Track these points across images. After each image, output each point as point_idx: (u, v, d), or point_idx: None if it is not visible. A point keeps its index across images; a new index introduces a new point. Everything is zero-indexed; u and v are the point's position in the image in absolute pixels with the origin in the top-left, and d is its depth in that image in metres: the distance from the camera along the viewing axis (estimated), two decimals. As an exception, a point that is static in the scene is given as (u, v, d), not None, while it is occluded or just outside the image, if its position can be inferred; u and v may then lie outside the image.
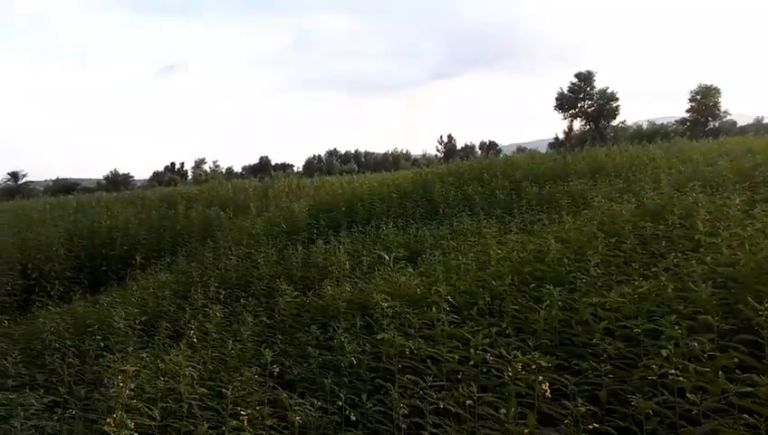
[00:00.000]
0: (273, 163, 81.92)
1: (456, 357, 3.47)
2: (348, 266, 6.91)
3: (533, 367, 2.81)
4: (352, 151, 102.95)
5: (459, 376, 3.42)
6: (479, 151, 78.82)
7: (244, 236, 10.33)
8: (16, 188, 67.22)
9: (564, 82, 57.27)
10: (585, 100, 53.98)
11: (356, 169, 54.91)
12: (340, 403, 3.04)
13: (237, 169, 79.89)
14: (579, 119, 54.89)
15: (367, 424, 3.21)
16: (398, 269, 6.43)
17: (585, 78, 53.74)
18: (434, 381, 3.15)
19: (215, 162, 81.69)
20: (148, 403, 3.21)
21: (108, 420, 2.47)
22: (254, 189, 18.86)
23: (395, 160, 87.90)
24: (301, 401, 3.06)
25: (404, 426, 2.85)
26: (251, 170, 69.62)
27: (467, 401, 2.90)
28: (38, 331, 6.36)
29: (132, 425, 2.56)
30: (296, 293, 6.00)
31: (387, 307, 4.48)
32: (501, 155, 19.55)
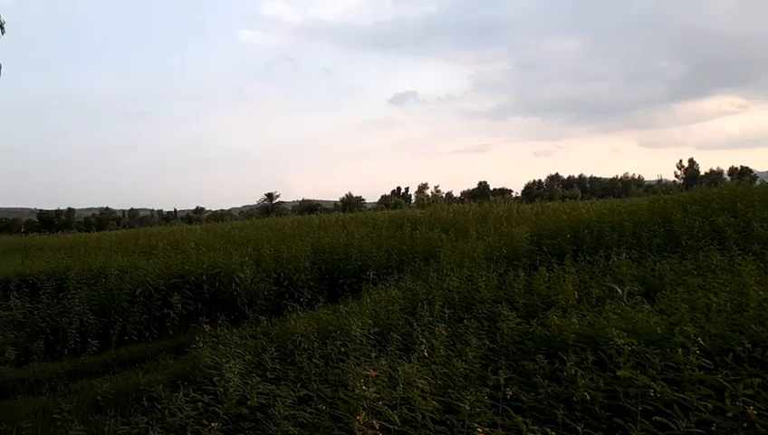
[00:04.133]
0: (491, 188, 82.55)
1: (710, 406, 3.09)
2: (577, 296, 6.61)
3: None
4: (576, 176, 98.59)
5: (713, 428, 3.04)
6: (728, 178, 69.44)
7: (466, 259, 10.52)
8: (271, 207, 78.57)
9: None
10: None
11: (580, 194, 52.31)
12: (577, 437, 2.93)
13: (456, 193, 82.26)
14: None
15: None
16: (632, 304, 5.97)
17: None
18: (686, 428, 2.85)
19: (436, 187, 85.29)
20: (384, 408, 3.46)
21: (358, 419, 2.71)
22: (474, 214, 19.19)
23: (624, 186, 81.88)
24: (534, 428, 3.02)
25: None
26: (470, 196, 70.97)
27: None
28: (289, 332, 7.23)
29: (377, 426, 2.77)
30: (518, 320, 5.93)
31: (623, 344, 4.17)
32: (757, 182, 16.88)
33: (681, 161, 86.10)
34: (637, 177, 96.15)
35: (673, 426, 2.85)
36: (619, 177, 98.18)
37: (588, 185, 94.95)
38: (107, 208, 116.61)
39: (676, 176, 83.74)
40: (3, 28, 6.48)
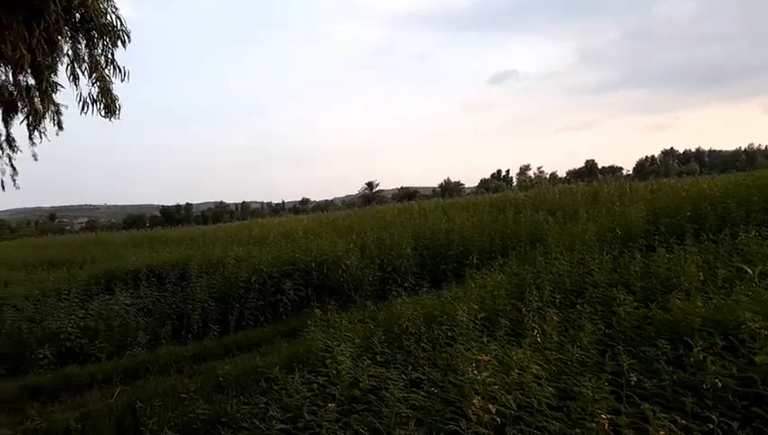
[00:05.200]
0: (599, 167, 78.81)
1: None
2: (701, 278, 6.14)
3: None
4: (693, 150, 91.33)
5: None
6: None
7: (576, 242, 10.09)
8: (371, 195, 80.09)
9: None
10: None
11: (698, 169, 48.38)
12: (712, 426, 2.72)
13: (561, 174, 79.22)
14: None
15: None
16: (765, 286, 5.46)
17: None
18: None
19: (539, 168, 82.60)
20: (499, 393, 3.41)
21: (473, 402, 2.69)
22: (582, 194, 18.33)
23: (749, 158, 74.79)
24: (662, 415, 2.84)
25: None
26: (576, 175, 68.03)
27: None
28: (395, 316, 7.32)
29: (494, 410, 2.74)
30: (636, 304, 5.61)
31: (758, 328, 3.82)
32: None
33: (818, 128, 77.02)
34: (763, 148, 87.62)
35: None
36: (743, 148, 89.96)
37: (706, 159, 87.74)
38: (221, 202, 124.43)
39: (813, 144, 75.08)
40: (129, 36, 7.03)
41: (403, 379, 4.24)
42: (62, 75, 7.47)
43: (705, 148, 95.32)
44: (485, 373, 3.28)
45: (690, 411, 3.05)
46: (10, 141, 10.22)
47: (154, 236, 24.37)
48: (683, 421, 2.82)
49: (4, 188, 10.09)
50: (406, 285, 9.66)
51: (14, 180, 10.31)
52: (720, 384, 3.35)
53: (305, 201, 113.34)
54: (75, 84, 7.18)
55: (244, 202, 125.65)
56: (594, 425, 2.71)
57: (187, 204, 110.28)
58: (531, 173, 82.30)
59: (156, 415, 5.74)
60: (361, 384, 4.58)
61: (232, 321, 10.27)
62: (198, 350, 8.84)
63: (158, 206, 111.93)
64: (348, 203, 79.87)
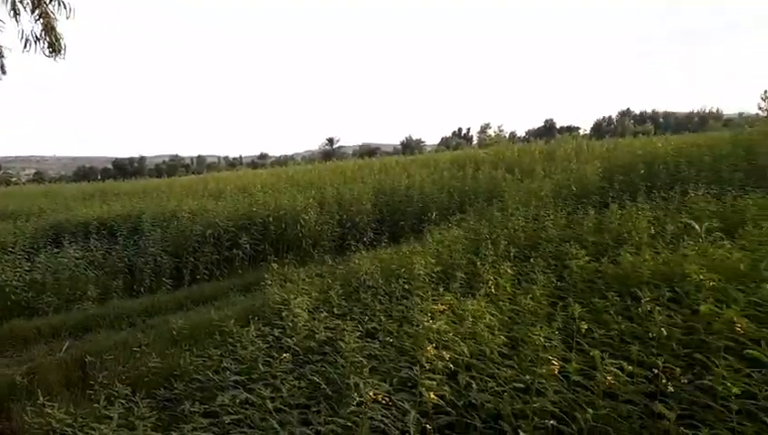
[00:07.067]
0: (558, 126, 79.89)
1: (804, 344, 2.89)
2: (651, 233, 6.32)
3: None
4: (648, 111, 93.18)
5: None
6: (819, 109, 63.85)
7: (532, 198, 10.24)
8: (332, 151, 79.40)
9: None
10: None
11: (652, 130, 49.45)
12: (656, 371, 2.80)
13: (521, 132, 79.94)
14: None
15: (683, 397, 2.90)
16: (710, 241, 5.65)
17: None
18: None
19: (499, 127, 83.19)
20: (450, 342, 3.44)
21: (427, 349, 2.69)
22: (540, 152, 18.58)
23: (701, 120, 76.96)
24: (610, 361, 2.91)
25: (735, 407, 2.49)
26: (535, 134, 68.75)
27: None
28: (353, 271, 7.30)
29: (447, 357, 2.75)
30: (588, 258, 5.73)
31: (703, 280, 3.95)
32: None
33: (766, 91, 79.47)
34: (715, 110, 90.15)
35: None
36: (696, 111, 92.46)
37: (661, 120, 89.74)
38: (176, 156, 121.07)
39: (760, 108, 77.64)
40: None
41: (358, 329, 4.23)
42: (2, 11, 6.93)
43: (660, 109, 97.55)
44: (439, 322, 3.30)
45: (636, 359, 3.16)
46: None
47: (106, 189, 23.53)
48: (629, 367, 2.91)
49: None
50: (365, 240, 9.65)
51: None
52: (665, 333, 3.46)
53: (264, 156, 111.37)
54: (16, 21, 6.67)
55: (199, 156, 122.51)
56: (544, 371, 2.77)
57: (141, 157, 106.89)
58: (491, 131, 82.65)
59: (106, 369, 5.61)
60: (317, 336, 4.57)
61: (186, 275, 10.11)
62: (151, 303, 8.67)
63: (111, 158, 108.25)
64: (308, 159, 78.75)
